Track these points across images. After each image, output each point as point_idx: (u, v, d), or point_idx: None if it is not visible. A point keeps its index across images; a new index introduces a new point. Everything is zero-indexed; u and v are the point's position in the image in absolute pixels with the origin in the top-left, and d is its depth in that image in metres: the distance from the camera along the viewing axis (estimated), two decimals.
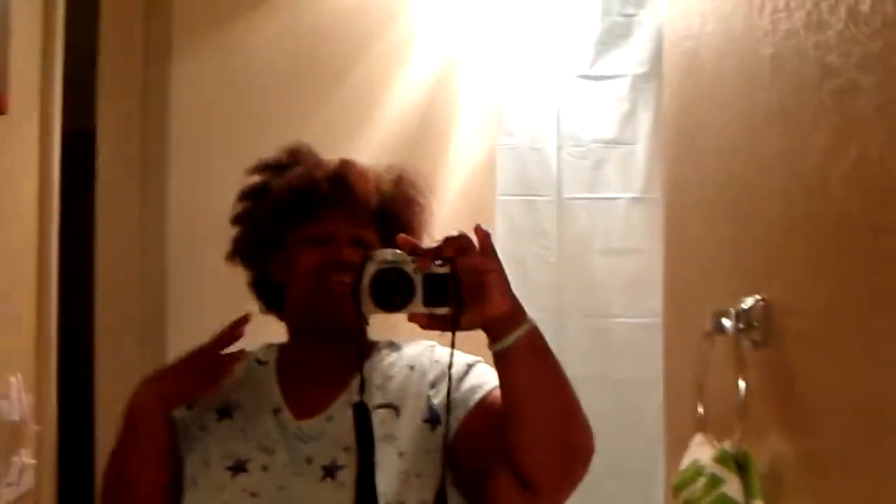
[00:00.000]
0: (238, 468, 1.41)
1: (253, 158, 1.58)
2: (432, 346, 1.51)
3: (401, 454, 1.39)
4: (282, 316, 1.59)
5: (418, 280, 1.18)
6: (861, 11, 0.93)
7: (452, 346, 1.26)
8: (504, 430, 1.28)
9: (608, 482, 2.69)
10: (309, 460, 1.40)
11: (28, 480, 1.70)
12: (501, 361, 1.23)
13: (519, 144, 2.84)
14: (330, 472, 1.38)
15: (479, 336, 1.22)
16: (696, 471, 1.18)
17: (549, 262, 2.82)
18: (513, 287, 1.19)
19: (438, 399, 1.44)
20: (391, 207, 1.52)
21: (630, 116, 2.85)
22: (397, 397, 1.46)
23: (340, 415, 1.45)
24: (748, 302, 1.17)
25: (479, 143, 2.68)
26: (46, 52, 1.89)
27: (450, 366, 1.31)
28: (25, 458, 1.69)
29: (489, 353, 1.25)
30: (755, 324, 1.16)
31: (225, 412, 1.49)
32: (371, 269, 1.20)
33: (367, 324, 1.32)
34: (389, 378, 1.49)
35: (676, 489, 1.22)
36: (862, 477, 0.91)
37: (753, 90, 1.24)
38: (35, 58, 1.86)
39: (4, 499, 1.66)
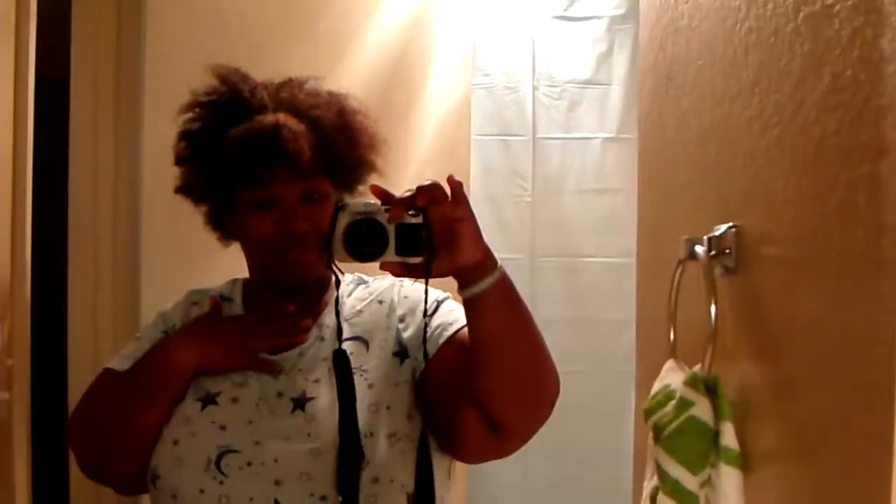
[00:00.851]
0: (208, 400, 1.42)
1: None
2: (400, 281, 1.52)
3: (370, 386, 1.41)
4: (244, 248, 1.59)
5: (391, 230, 1.20)
6: None
7: (426, 295, 1.28)
8: (471, 373, 1.29)
9: (579, 421, 2.73)
10: (280, 394, 1.42)
11: (0, 414, 1.70)
12: (471, 308, 1.25)
13: (494, 84, 2.85)
14: (300, 403, 1.40)
15: (450, 279, 1.24)
16: (667, 395, 1.20)
17: (523, 202, 2.84)
18: (488, 227, 1.21)
19: (408, 333, 1.46)
20: (336, 151, 1.50)
21: (606, 57, 2.86)
22: (365, 330, 1.47)
23: (311, 349, 1.47)
24: (721, 229, 1.18)
25: (455, 83, 2.67)
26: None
27: (424, 313, 1.34)
28: None
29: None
30: (727, 251, 1.17)
31: None
32: (344, 220, 1.21)
33: (343, 274, 1.34)
34: (358, 312, 1.50)
35: (647, 413, 1.24)
36: (835, 398, 0.92)
37: (730, 20, 1.24)
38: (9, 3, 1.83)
39: None
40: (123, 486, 1.53)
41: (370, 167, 1.55)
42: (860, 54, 0.88)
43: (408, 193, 1.19)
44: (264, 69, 1.58)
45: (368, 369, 1.43)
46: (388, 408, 1.39)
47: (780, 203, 1.05)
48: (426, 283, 1.27)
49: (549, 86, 2.86)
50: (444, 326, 1.44)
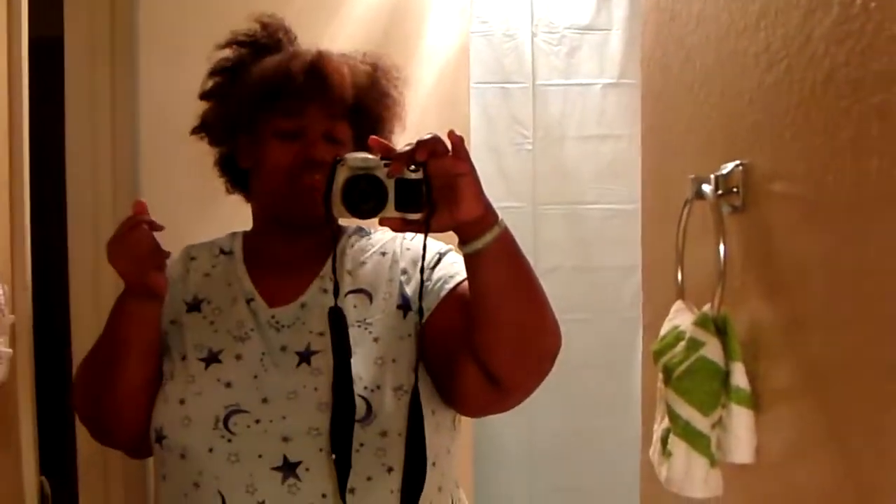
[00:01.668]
0: (211, 359, 1.41)
1: None
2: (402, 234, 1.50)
3: (376, 339, 1.40)
4: (247, 197, 1.58)
5: (390, 185, 1.17)
6: None
7: (424, 250, 1.27)
8: (471, 327, 1.29)
9: (585, 370, 2.74)
10: (283, 348, 1.41)
11: (3, 371, 1.69)
12: (472, 264, 1.24)
13: (493, 31, 2.82)
14: (305, 357, 1.39)
15: (452, 234, 1.23)
16: (676, 336, 1.19)
17: (524, 150, 2.82)
18: (488, 176, 1.19)
19: (410, 286, 1.45)
20: (365, 101, 1.50)
21: (605, 2, 2.82)
22: (369, 283, 1.46)
23: (314, 301, 1.45)
24: (728, 167, 1.17)
25: (453, 30, 2.63)
26: None
27: (421, 269, 1.33)
28: (2, 347, 1.68)
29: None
30: (735, 189, 1.15)
31: (195, 306, 1.48)
32: (343, 175, 1.18)
33: (341, 228, 1.32)
34: (361, 264, 1.49)
35: (656, 355, 1.23)
36: (849, 334, 0.91)
37: None
38: None
39: None
40: (133, 451, 1.53)
41: (389, 128, 1.54)
42: None
43: (407, 147, 1.16)
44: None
45: (373, 322, 1.42)
46: (393, 361, 1.39)
47: (788, 138, 1.03)
48: (424, 240, 1.25)
49: (548, 32, 2.82)
50: (445, 279, 1.43)
